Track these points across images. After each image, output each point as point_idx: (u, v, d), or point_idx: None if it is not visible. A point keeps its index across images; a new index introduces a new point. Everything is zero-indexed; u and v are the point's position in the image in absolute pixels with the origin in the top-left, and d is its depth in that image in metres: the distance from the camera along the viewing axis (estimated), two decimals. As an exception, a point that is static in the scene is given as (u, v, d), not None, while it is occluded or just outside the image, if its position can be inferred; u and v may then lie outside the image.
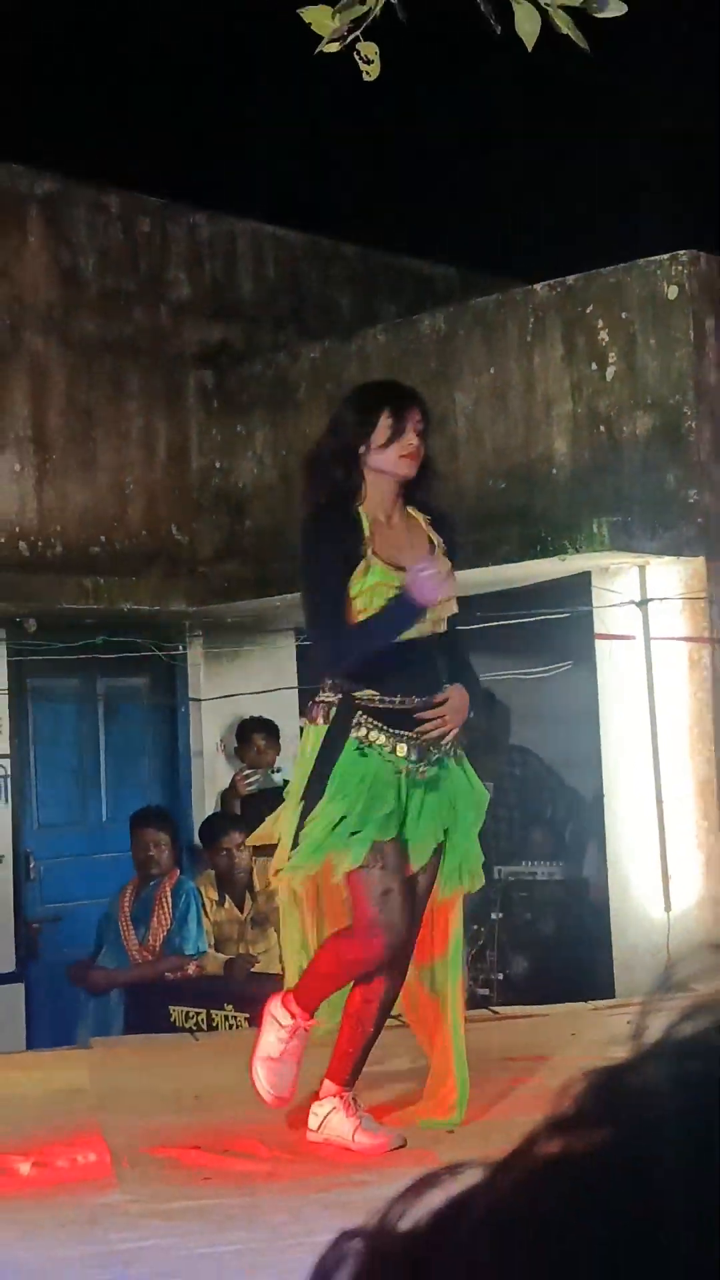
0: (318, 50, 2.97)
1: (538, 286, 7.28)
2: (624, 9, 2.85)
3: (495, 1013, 6.58)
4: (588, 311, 7.03)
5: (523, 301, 7.29)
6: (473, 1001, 8.04)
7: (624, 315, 6.91)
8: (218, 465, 8.24)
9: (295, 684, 8.58)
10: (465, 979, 8.42)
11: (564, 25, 2.84)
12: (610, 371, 6.92)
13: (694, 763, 6.68)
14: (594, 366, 6.99)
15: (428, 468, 4.42)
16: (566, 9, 2.84)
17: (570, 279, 7.14)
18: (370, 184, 11.85)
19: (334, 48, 2.98)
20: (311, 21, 2.95)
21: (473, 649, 9.04)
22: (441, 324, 7.54)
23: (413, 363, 7.58)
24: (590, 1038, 5.54)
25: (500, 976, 8.07)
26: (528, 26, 2.84)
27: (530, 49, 2.85)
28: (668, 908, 6.71)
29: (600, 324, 6.98)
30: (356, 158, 11.93)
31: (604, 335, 6.96)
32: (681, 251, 6.84)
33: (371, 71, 3.03)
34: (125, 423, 8.14)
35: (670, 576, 6.80)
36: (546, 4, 2.83)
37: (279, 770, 8.35)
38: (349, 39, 2.97)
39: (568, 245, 9.68)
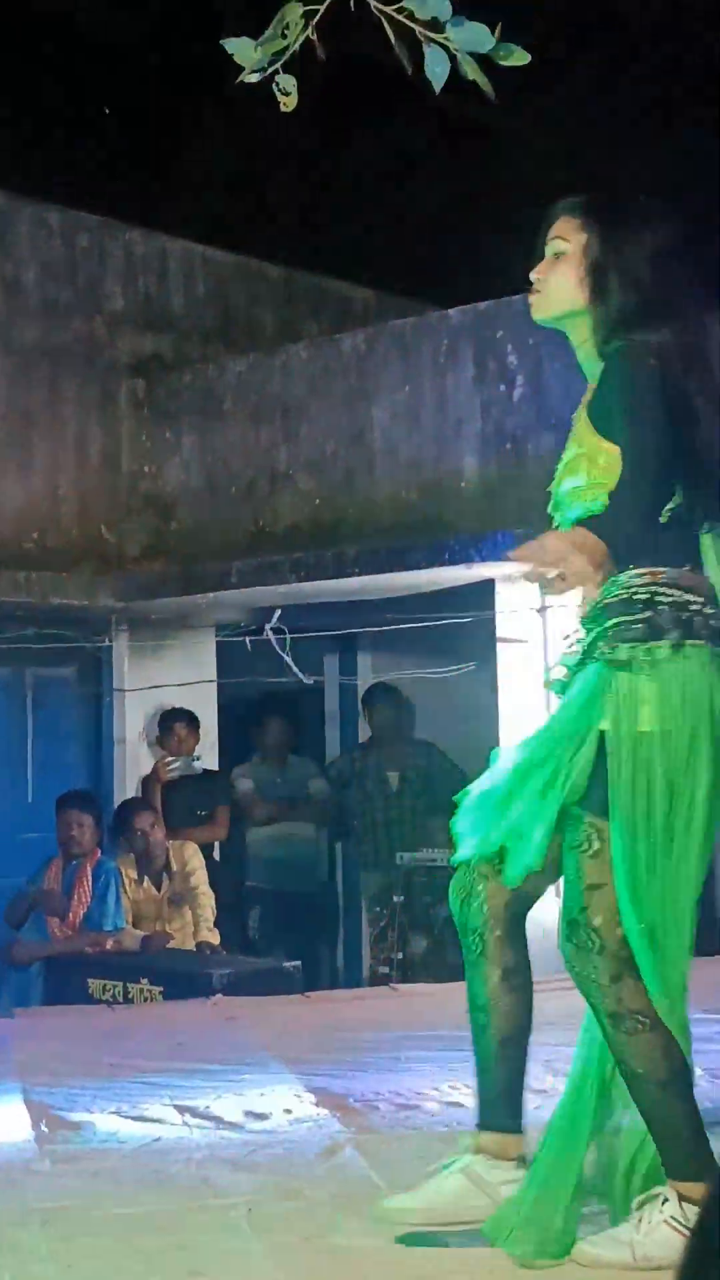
0: (238, 80, 2.96)
1: (451, 311, 7.30)
2: (528, 58, 2.85)
3: (395, 989, 6.61)
4: (498, 336, 7.06)
5: (437, 324, 7.31)
6: (374, 979, 8.07)
7: (532, 341, 6.94)
8: (146, 469, 8.19)
9: (214, 678, 8.56)
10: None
11: (471, 71, 2.84)
12: (518, 393, 6.96)
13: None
14: (503, 387, 7.02)
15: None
16: (473, 55, 2.84)
17: (482, 305, 7.16)
18: (295, 208, 11.84)
19: (254, 78, 2.96)
20: (234, 53, 2.94)
21: (383, 649, 9.11)
22: (361, 343, 7.54)
23: (333, 379, 7.58)
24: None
25: (400, 955, 8.09)
26: (437, 69, 2.84)
27: (438, 91, 2.86)
28: (557, 893, 6.74)
29: (510, 348, 7.01)
30: (282, 183, 11.92)
31: (513, 358, 6.99)
32: (586, 283, 6.88)
33: (288, 103, 3.01)
34: (60, 427, 8.08)
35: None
36: (455, 50, 2.83)
37: (198, 758, 8.33)
38: (269, 71, 2.96)
39: (480, 272, 9.72)
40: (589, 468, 2.79)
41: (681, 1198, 2.77)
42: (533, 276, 2.97)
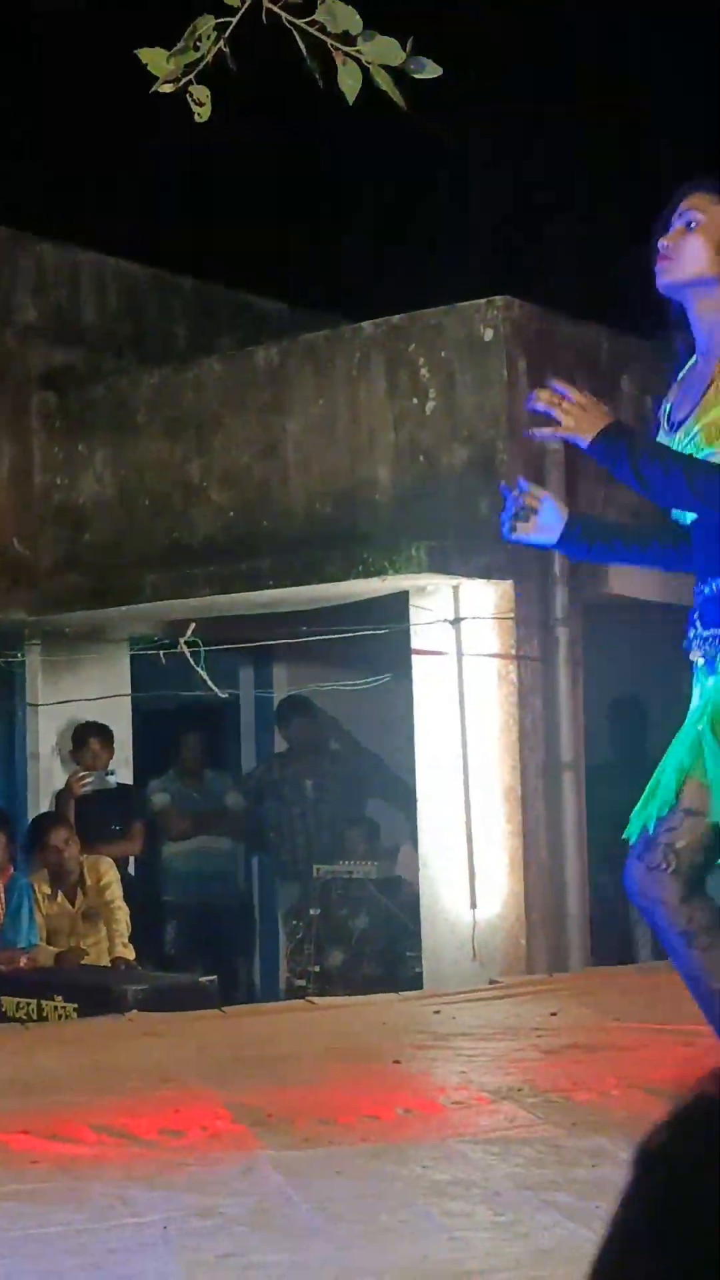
0: (152, 91, 2.95)
1: (364, 325, 7.31)
2: (439, 71, 2.87)
3: (312, 1003, 6.59)
4: (410, 350, 7.08)
5: (350, 338, 7.32)
6: (291, 992, 8.05)
7: (443, 354, 6.97)
8: (59, 482, 8.13)
9: (129, 692, 8.50)
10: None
11: (383, 84, 2.85)
12: (430, 406, 6.98)
13: (500, 770, 6.75)
14: (415, 401, 7.04)
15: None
16: (386, 68, 2.85)
17: (394, 319, 7.18)
18: (208, 221, 11.81)
19: (169, 89, 2.96)
20: (148, 63, 2.93)
21: (298, 662, 9.11)
22: (274, 356, 7.54)
23: (246, 392, 7.57)
24: (399, 1026, 5.57)
25: (317, 968, 8.08)
26: (350, 82, 2.85)
27: (351, 104, 2.86)
28: (473, 905, 6.77)
29: (421, 362, 7.03)
30: (195, 196, 11.90)
31: (425, 372, 7.01)
32: (498, 297, 6.92)
33: (202, 114, 3.01)
34: (-30, 440, 8.00)
35: (481, 597, 6.87)
36: (368, 62, 2.84)
37: (113, 773, 8.27)
38: (183, 82, 2.95)
39: (392, 287, 9.75)
40: None
41: None
42: (662, 244, 2.98)
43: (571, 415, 2.91)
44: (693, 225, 2.94)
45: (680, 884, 2.73)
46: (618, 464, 2.90)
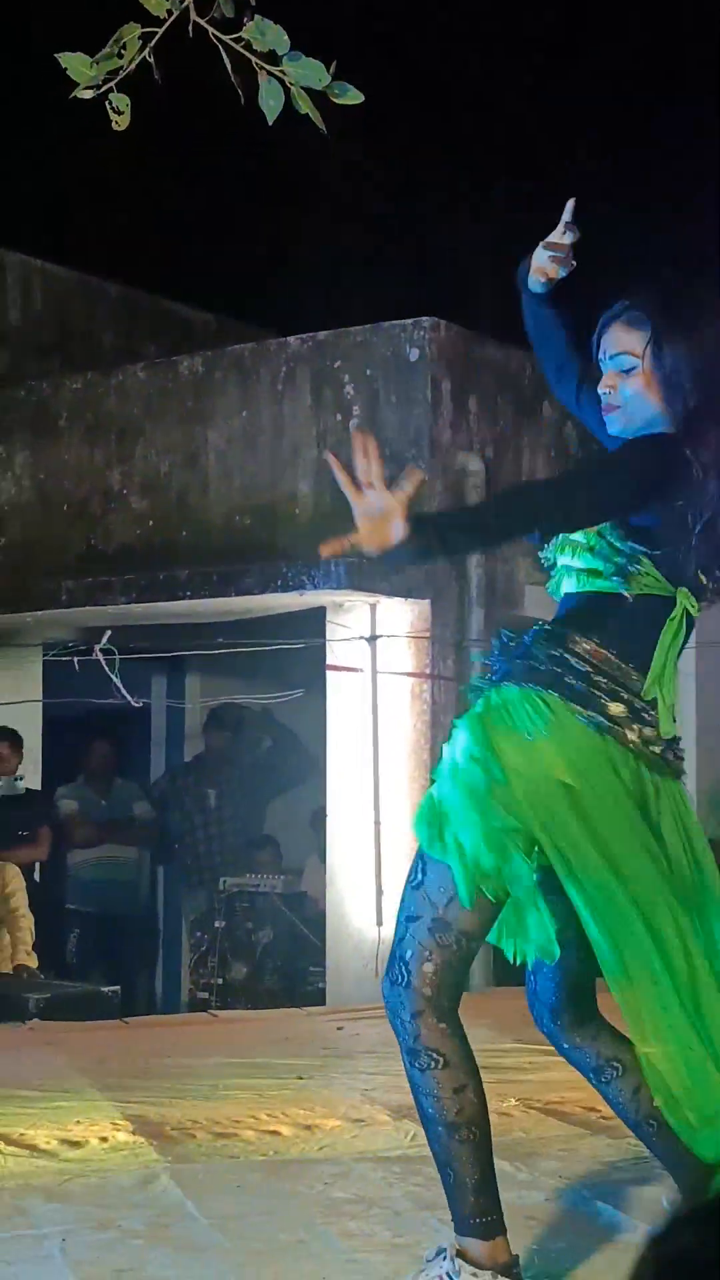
0: (72, 96, 2.94)
1: (290, 339, 7.32)
2: (361, 98, 2.88)
3: (214, 1015, 6.57)
4: (335, 366, 7.09)
5: (276, 352, 7.32)
6: (193, 1004, 8.01)
7: (368, 372, 6.99)
8: (-23, 484, 8.06)
9: (40, 697, 8.43)
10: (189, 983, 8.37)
11: (304, 106, 2.86)
12: (354, 424, 6.99)
13: (411, 788, 6.77)
14: (338, 417, 7.06)
15: None
16: (309, 91, 2.86)
17: (321, 334, 7.20)
18: (137, 228, 11.77)
19: (88, 94, 2.95)
20: (68, 68, 2.91)
21: (212, 673, 9.07)
22: (199, 366, 7.52)
23: (169, 401, 7.54)
24: (301, 1042, 5.56)
25: (220, 981, 8.05)
26: (271, 102, 2.86)
27: (271, 123, 2.87)
28: (379, 922, 6.77)
29: (346, 378, 7.05)
30: (125, 202, 11.85)
31: (349, 389, 7.03)
32: (424, 318, 6.96)
33: (121, 122, 3.00)
34: None
35: (398, 615, 6.89)
36: (290, 84, 2.84)
37: (21, 778, 8.19)
38: (104, 88, 2.94)
39: (320, 303, 9.77)
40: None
41: (460, 1254, 2.66)
42: (602, 391, 2.85)
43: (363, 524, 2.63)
44: (629, 371, 2.81)
45: (414, 997, 2.68)
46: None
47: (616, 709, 2.71)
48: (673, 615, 2.77)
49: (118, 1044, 5.59)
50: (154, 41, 2.91)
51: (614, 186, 11.13)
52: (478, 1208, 2.67)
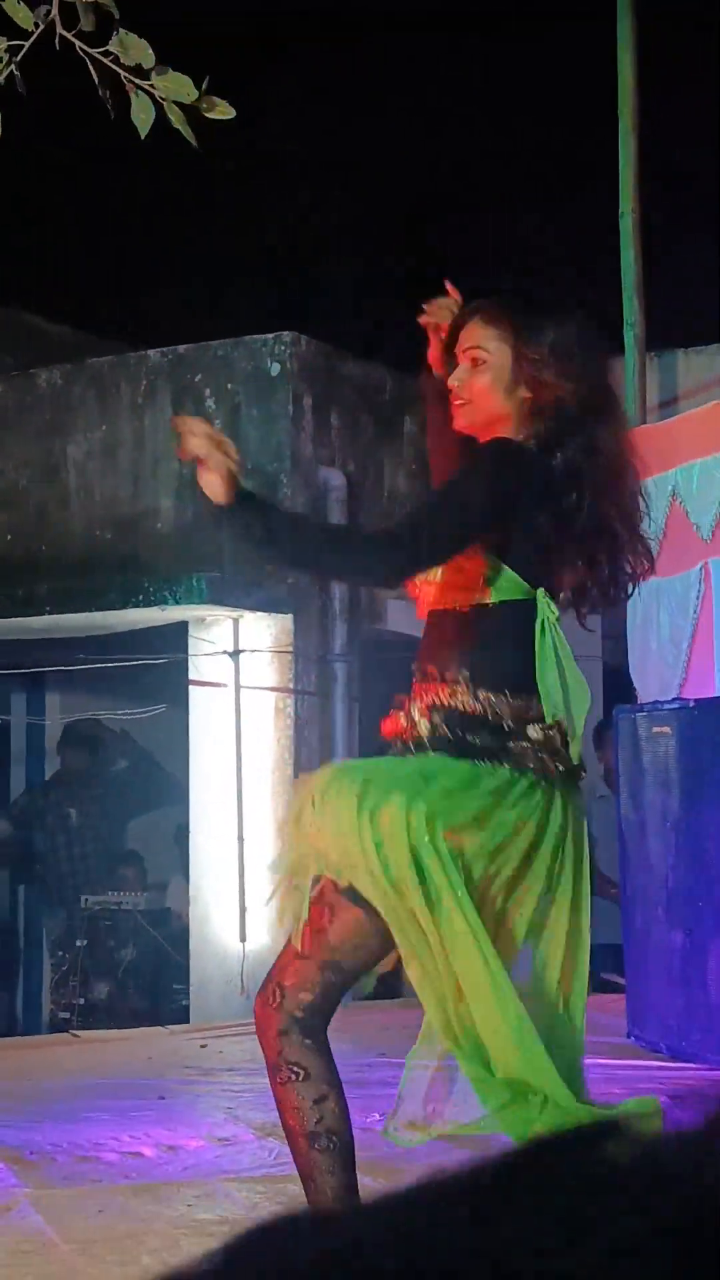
0: None
1: (150, 352, 7.27)
2: (233, 113, 2.87)
3: (76, 1035, 6.48)
4: (196, 379, 7.06)
5: (136, 365, 7.27)
6: (54, 1025, 7.89)
7: (230, 386, 6.97)
8: None
9: None
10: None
11: (176, 120, 2.85)
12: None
13: (274, 804, 6.74)
14: (200, 431, 7.02)
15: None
16: (179, 105, 2.85)
17: (181, 348, 7.16)
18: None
19: None
20: (-67, 81, 2.88)
21: (73, 689, 8.97)
22: (58, 379, 7.44)
23: (28, 415, 7.45)
24: (164, 1060, 5.51)
25: (82, 1001, 7.94)
26: (142, 116, 2.84)
27: (143, 137, 2.86)
28: (243, 938, 6.74)
29: (208, 392, 7.02)
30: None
31: (210, 403, 7.00)
32: (285, 332, 6.95)
33: None
34: None
35: (261, 630, 6.87)
36: (162, 98, 2.83)
37: None
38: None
39: (180, 316, 9.72)
40: None
41: None
42: (452, 384, 2.83)
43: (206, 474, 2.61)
44: (479, 364, 2.80)
45: (283, 1017, 2.72)
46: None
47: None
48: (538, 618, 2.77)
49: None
50: (20, 55, 2.89)
51: (480, 189, 11.25)
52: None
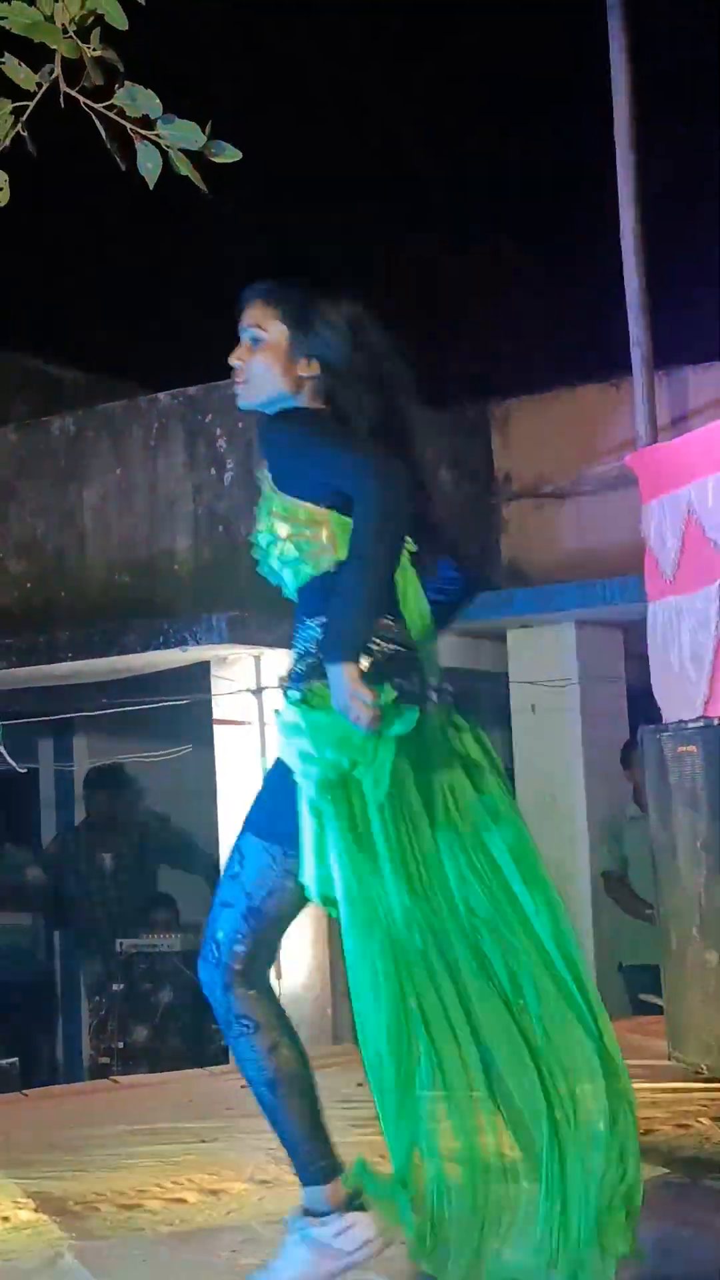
0: None
1: (161, 395, 7.30)
2: (239, 155, 2.90)
3: (116, 1081, 6.46)
4: (207, 420, 7.08)
5: (147, 408, 7.30)
6: (95, 1070, 7.88)
7: (240, 425, 6.99)
8: None
9: None
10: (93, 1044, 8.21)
11: (183, 167, 2.87)
12: (229, 476, 6.98)
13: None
14: (213, 471, 7.04)
15: None
16: (186, 152, 2.88)
17: (191, 390, 7.18)
18: (3, 288, 11.69)
19: None
20: (-56, 145, 2.92)
21: (99, 733, 8.97)
22: (71, 426, 7.47)
23: (42, 461, 7.49)
24: (205, 1103, 5.48)
25: (122, 1045, 7.93)
26: (149, 165, 2.87)
27: (151, 187, 2.88)
28: (279, 976, 6.71)
29: (219, 432, 7.04)
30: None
31: (223, 443, 7.02)
32: (294, 368, 6.97)
33: (0, 198, 3.04)
34: None
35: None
36: (167, 146, 2.86)
37: None
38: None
39: (191, 357, 9.75)
40: None
41: (306, 1213, 2.88)
42: (232, 362, 2.96)
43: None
44: (257, 343, 2.92)
45: (224, 973, 2.88)
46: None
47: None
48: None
49: (17, 1117, 5.47)
50: (25, 116, 2.92)
51: (480, 215, 11.29)
52: (311, 1154, 2.91)
